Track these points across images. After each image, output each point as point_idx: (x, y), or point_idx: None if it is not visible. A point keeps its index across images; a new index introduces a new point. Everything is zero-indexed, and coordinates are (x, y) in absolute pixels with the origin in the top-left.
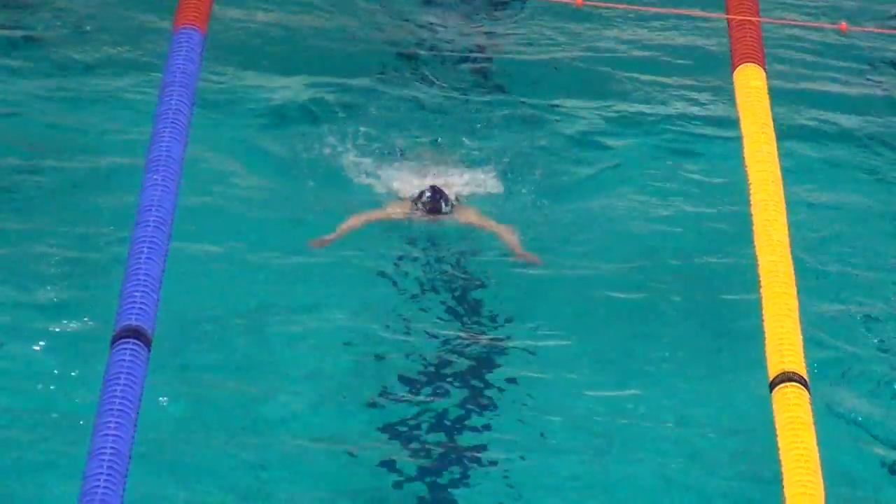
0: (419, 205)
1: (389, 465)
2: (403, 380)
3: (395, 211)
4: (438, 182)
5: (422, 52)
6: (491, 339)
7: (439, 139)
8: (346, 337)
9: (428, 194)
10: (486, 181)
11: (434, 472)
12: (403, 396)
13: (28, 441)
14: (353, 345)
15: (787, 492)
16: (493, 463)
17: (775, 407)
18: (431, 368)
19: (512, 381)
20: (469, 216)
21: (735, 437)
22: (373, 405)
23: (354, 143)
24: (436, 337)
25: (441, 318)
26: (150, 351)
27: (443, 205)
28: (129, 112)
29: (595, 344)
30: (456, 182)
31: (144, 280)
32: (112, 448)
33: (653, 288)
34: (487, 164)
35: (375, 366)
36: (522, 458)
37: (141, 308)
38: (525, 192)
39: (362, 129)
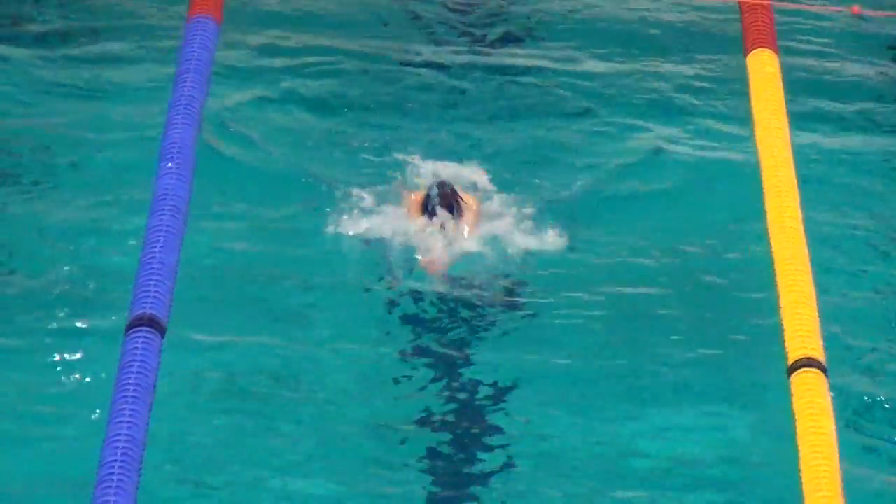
0: (430, 208)
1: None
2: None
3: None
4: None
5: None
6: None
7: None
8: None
9: (436, 191)
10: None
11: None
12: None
13: (42, 429)
14: (372, 333)
15: (805, 476)
16: (502, 479)
17: (794, 392)
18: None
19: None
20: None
21: (751, 423)
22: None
23: (370, 135)
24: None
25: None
26: (164, 339)
27: (453, 207)
28: (143, 100)
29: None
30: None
31: (158, 269)
32: (127, 435)
33: (666, 280)
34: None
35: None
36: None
37: (155, 296)
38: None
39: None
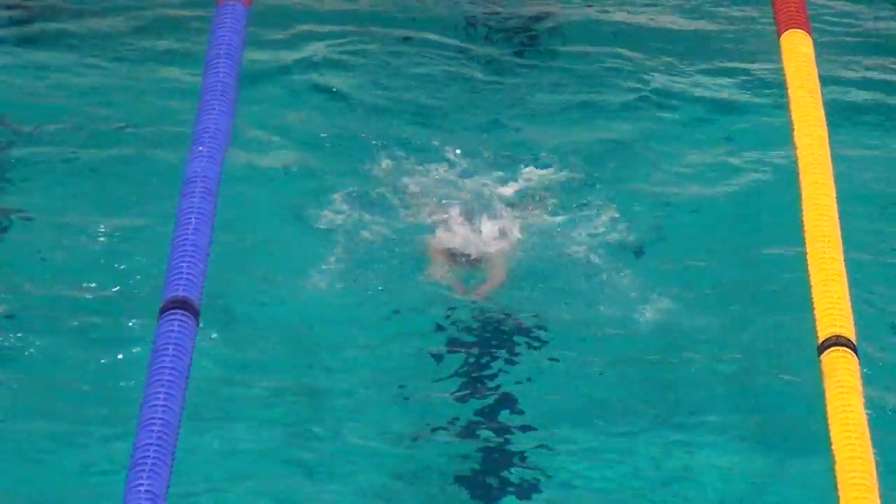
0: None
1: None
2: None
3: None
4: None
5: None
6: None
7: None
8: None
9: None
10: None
11: None
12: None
13: (77, 413)
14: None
15: (837, 456)
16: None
17: (824, 371)
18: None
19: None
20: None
21: (779, 400)
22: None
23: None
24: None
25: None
26: (198, 321)
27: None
28: (174, 85)
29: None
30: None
31: (191, 251)
32: (161, 419)
33: (695, 265)
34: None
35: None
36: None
37: (188, 279)
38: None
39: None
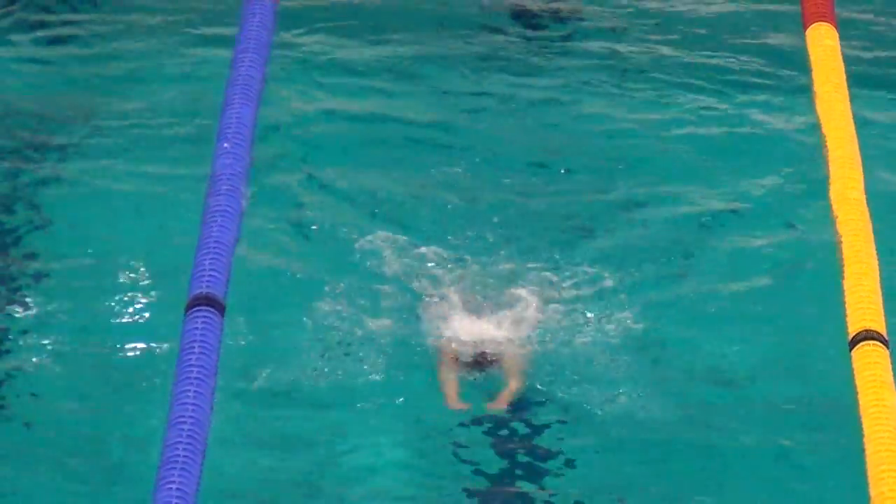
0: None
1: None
2: None
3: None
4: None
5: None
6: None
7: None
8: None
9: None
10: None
11: None
12: None
13: (106, 411)
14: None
15: (869, 449)
16: None
17: (855, 365)
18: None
19: None
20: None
21: (811, 397)
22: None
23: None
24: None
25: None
26: (223, 318)
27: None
28: (200, 79)
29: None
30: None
31: (216, 248)
32: (192, 417)
33: (724, 263)
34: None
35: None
36: None
37: (212, 276)
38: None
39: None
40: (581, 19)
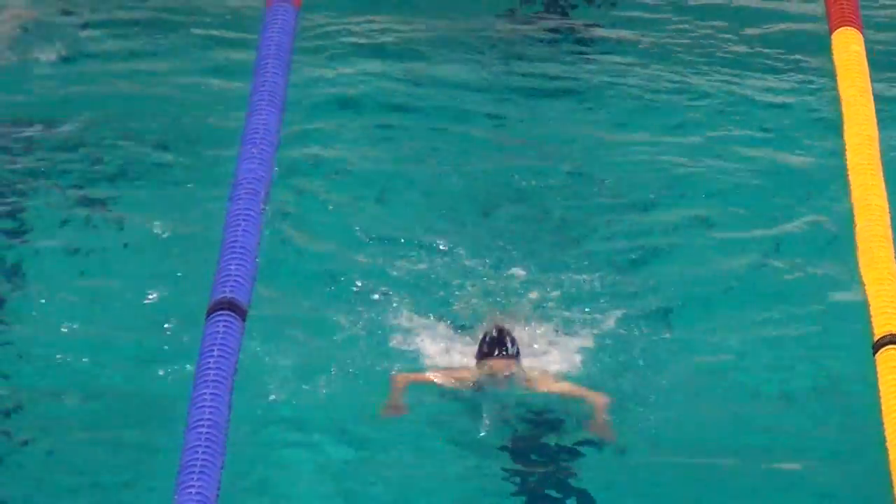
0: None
1: None
2: None
3: (453, 375)
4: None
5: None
6: None
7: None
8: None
9: (494, 335)
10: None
11: None
12: None
13: (125, 414)
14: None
15: (892, 454)
16: None
17: (879, 369)
18: None
19: None
20: (547, 383)
21: (833, 401)
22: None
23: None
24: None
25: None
26: (245, 323)
27: (509, 347)
28: (225, 86)
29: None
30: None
31: (240, 253)
32: (209, 420)
33: (745, 265)
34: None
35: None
36: None
37: (236, 281)
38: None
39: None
40: (613, 4)
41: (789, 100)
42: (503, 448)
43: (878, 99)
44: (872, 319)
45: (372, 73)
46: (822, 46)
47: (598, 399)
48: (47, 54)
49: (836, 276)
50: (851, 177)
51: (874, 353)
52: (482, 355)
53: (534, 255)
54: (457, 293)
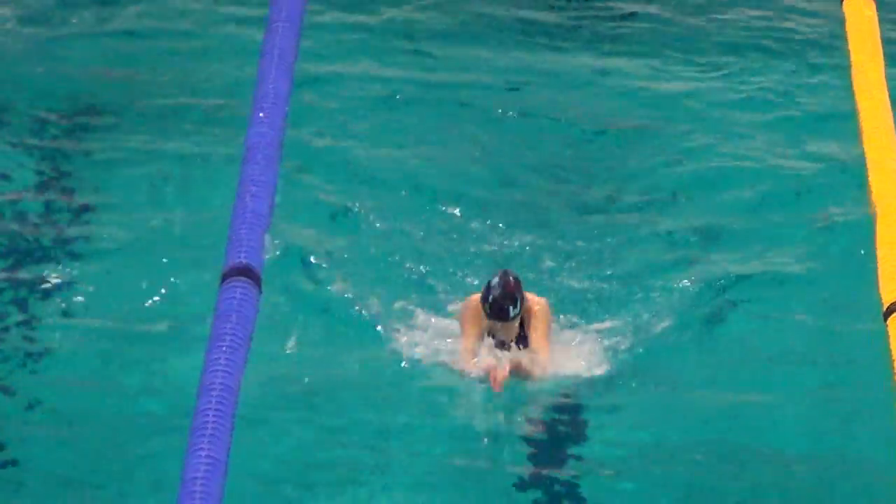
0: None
1: None
2: None
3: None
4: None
5: None
6: None
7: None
8: None
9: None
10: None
11: None
12: None
13: (138, 379)
14: None
15: None
16: None
17: (891, 335)
18: None
19: None
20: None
21: (842, 368)
22: None
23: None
24: None
25: None
26: (260, 289)
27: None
28: (235, 51)
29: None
30: None
31: (252, 219)
32: (221, 384)
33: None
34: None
35: None
36: None
37: (249, 246)
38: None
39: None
40: None
41: (803, 65)
42: (510, 439)
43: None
44: (883, 285)
45: (388, 42)
46: None
47: (541, 356)
48: (48, 6)
49: (851, 243)
50: (864, 141)
51: (885, 320)
52: (487, 310)
53: (551, 227)
54: (474, 252)
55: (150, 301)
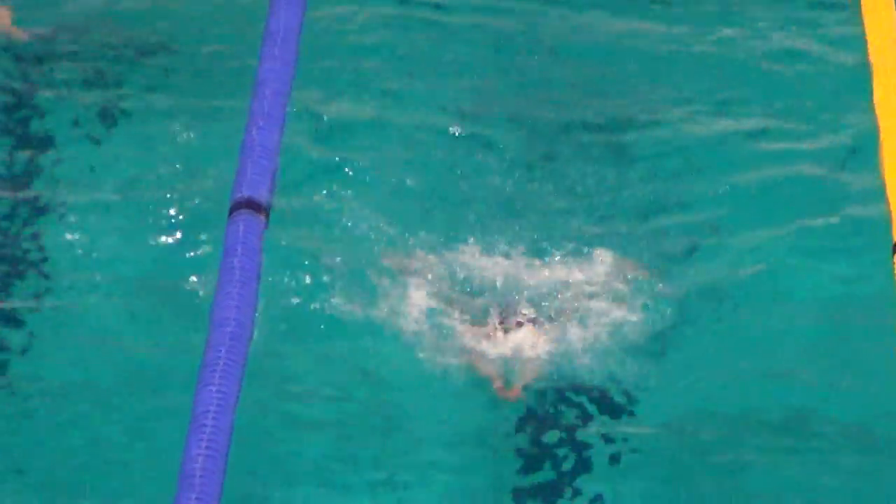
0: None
1: None
2: None
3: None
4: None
5: None
6: None
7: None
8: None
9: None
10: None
11: None
12: None
13: (148, 316)
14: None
15: None
16: None
17: None
18: None
19: None
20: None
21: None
22: None
23: None
24: None
25: None
26: (267, 221)
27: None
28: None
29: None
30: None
31: (259, 151)
32: (235, 319)
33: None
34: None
35: None
36: None
37: (254, 178)
38: None
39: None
40: None
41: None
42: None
43: None
44: (894, 221)
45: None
46: None
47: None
48: None
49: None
50: (875, 79)
51: (893, 255)
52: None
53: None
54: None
55: (158, 236)
